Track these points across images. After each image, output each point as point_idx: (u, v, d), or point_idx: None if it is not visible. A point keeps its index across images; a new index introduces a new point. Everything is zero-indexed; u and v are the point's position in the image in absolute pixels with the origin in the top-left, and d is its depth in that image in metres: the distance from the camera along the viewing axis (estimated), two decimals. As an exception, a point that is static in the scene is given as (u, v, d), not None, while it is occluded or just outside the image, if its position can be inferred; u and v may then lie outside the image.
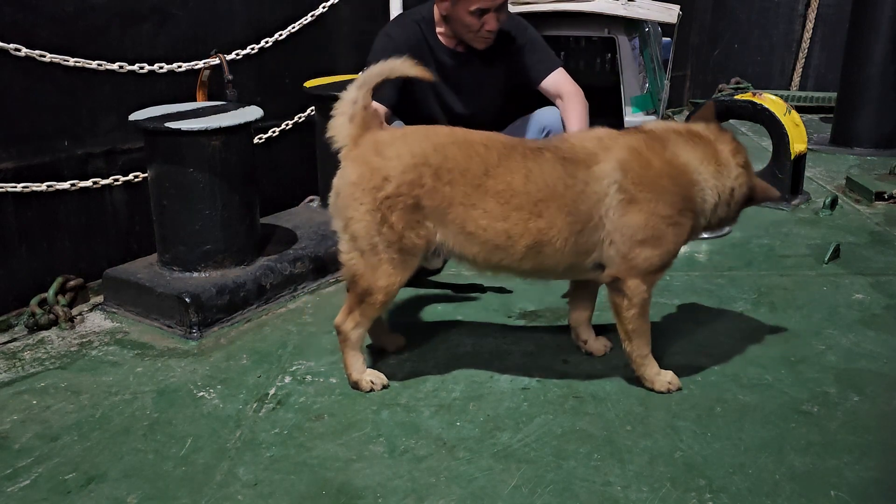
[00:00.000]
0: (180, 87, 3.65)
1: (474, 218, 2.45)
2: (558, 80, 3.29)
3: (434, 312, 3.28)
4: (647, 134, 2.54)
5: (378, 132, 2.51)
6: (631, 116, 4.44)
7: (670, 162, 2.47)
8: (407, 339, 2.96)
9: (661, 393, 2.59)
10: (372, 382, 2.64)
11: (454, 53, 3.26)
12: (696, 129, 2.59)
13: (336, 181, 2.53)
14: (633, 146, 2.47)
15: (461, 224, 2.46)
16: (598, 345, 2.87)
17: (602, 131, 2.58)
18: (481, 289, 3.48)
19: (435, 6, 3.27)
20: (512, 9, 4.26)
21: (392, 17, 3.63)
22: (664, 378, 2.61)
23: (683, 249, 3.94)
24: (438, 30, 3.29)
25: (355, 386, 2.66)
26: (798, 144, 4.47)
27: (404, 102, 3.22)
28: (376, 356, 2.90)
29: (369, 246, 2.48)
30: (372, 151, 2.46)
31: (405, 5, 4.61)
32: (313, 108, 4.10)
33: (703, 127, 2.61)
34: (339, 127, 2.51)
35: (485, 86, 3.34)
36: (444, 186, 2.43)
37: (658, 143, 2.50)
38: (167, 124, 3.11)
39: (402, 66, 2.53)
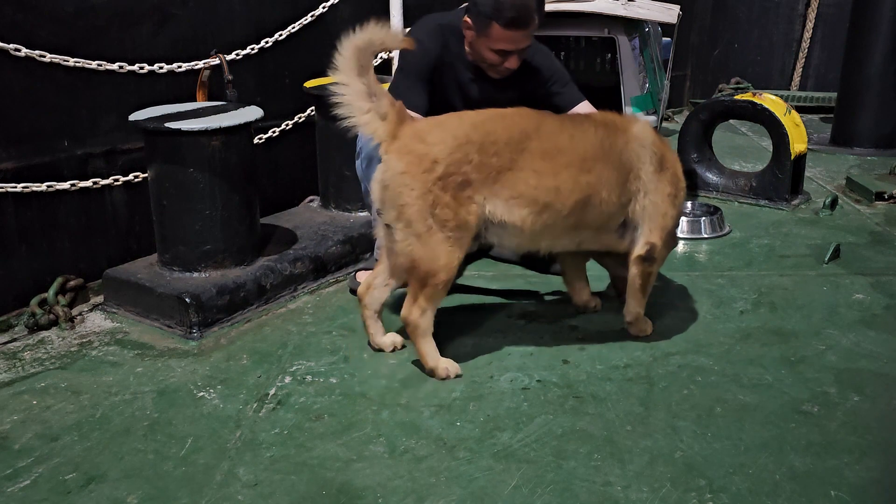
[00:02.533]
0: (180, 87, 3.65)
1: (524, 178, 2.65)
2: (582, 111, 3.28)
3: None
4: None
5: (413, 123, 2.65)
6: (631, 116, 4.45)
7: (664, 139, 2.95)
8: (407, 339, 2.96)
9: (646, 336, 2.99)
10: (447, 369, 2.71)
11: (474, 68, 3.19)
12: None
13: (382, 175, 2.63)
14: (640, 121, 2.93)
15: (511, 186, 2.64)
16: (597, 302, 3.25)
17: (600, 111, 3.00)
18: (481, 289, 3.48)
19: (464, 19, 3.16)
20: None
21: (413, 19, 3.40)
22: (649, 324, 3.03)
23: (683, 249, 3.96)
24: (466, 43, 3.18)
25: (431, 373, 2.71)
26: (798, 144, 4.47)
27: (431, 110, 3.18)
28: (376, 356, 2.90)
29: (425, 228, 2.58)
30: (415, 140, 2.59)
31: (405, 5, 4.61)
32: (313, 108, 4.10)
33: None
34: (372, 125, 2.59)
35: (495, 103, 3.29)
36: (490, 158, 2.61)
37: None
38: (167, 124, 3.11)
39: (377, 36, 2.55)
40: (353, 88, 2.55)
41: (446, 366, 2.72)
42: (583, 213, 2.74)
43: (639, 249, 2.86)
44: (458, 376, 2.72)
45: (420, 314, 2.67)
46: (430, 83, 3.15)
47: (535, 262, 3.60)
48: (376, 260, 3.39)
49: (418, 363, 2.79)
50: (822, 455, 2.29)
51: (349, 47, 2.52)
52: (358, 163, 3.25)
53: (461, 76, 3.23)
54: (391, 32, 2.64)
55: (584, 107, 3.27)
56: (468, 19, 3.05)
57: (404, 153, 2.58)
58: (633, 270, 2.90)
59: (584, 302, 3.22)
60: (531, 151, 2.66)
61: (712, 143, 4.91)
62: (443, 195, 2.57)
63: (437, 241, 2.59)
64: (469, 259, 3.65)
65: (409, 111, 2.72)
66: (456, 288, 3.50)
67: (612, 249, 2.94)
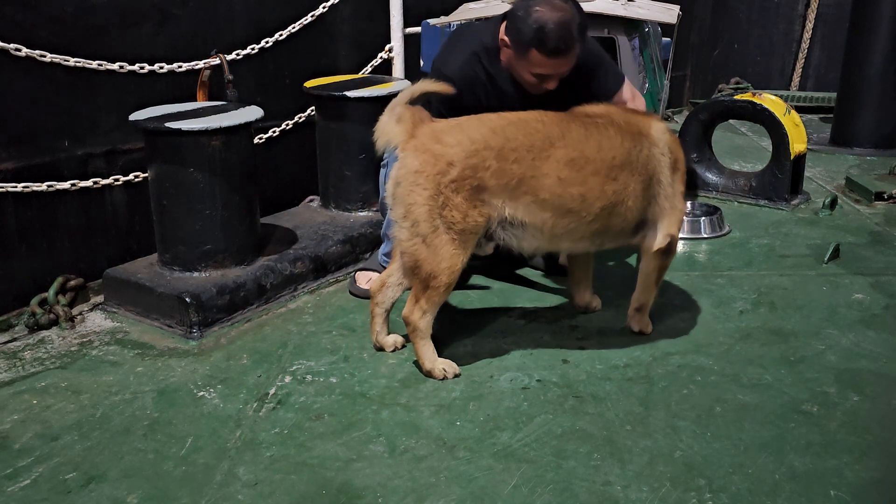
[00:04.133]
0: (180, 87, 3.65)
1: (548, 186, 2.64)
2: (626, 94, 3.19)
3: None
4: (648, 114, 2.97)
5: (432, 123, 2.65)
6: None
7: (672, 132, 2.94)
8: (407, 339, 2.96)
9: (647, 334, 3.02)
10: (445, 370, 2.72)
11: (517, 82, 3.07)
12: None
13: (395, 172, 2.64)
14: (658, 119, 2.93)
15: (534, 194, 2.64)
16: (597, 301, 3.26)
17: (619, 109, 2.95)
18: (481, 289, 3.48)
19: (501, 29, 3.01)
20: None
21: (446, 42, 3.23)
22: (650, 323, 3.05)
23: (683, 249, 3.96)
24: (503, 57, 3.05)
25: (429, 374, 2.71)
26: (798, 144, 4.47)
27: None
28: (376, 356, 2.90)
29: (431, 228, 2.58)
30: (432, 140, 2.59)
31: (405, 5, 4.61)
32: (313, 108, 4.11)
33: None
34: (390, 128, 2.64)
35: (547, 108, 3.21)
36: (510, 165, 2.60)
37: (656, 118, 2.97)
38: (167, 124, 3.11)
39: (422, 87, 2.72)
40: (386, 115, 2.65)
41: (443, 367, 2.72)
42: (607, 219, 2.74)
43: (660, 242, 2.86)
44: (456, 376, 2.72)
45: (420, 315, 2.68)
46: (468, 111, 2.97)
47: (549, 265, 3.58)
48: (380, 264, 3.40)
49: (418, 363, 2.79)
50: (822, 455, 2.29)
51: (402, 97, 2.66)
52: (383, 171, 3.25)
53: (507, 93, 3.09)
54: (436, 84, 2.74)
55: (626, 87, 3.19)
56: (506, 38, 2.93)
57: (420, 151, 2.59)
58: (653, 264, 2.92)
59: (587, 302, 3.22)
60: (556, 159, 2.64)
61: (712, 143, 4.91)
62: (454, 197, 2.56)
63: (441, 243, 2.59)
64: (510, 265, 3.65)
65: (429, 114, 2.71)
66: (456, 288, 3.49)
67: (625, 245, 2.96)
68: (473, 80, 3.06)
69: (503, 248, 2.80)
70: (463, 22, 4.43)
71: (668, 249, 2.90)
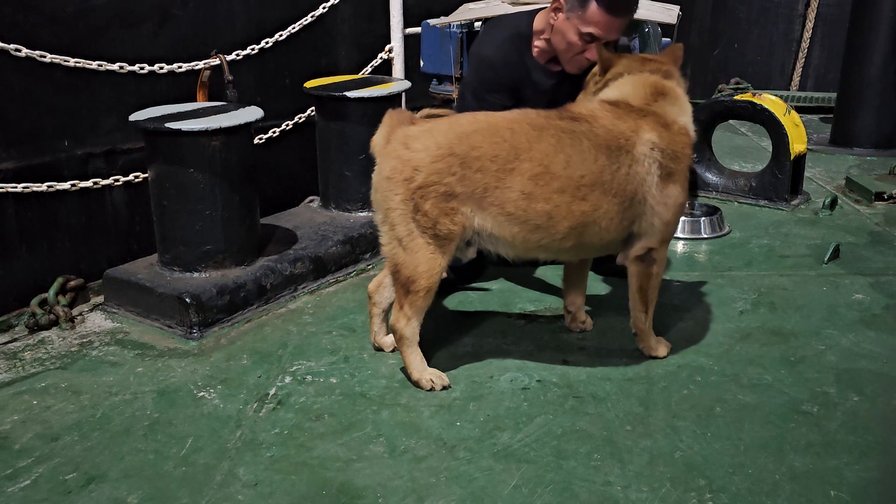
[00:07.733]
0: (180, 88, 3.65)
1: (513, 200, 2.55)
2: None
3: (434, 313, 3.26)
4: (647, 110, 2.68)
5: (407, 127, 2.62)
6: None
7: (679, 130, 2.71)
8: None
9: (662, 358, 2.83)
10: (432, 381, 2.66)
11: (550, 73, 3.12)
12: (655, 82, 2.76)
13: (373, 177, 2.65)
14: (656, 123, 2.66)
15: (500, 206, 2.56)
16: (589, 321, 3.09)
17: (611, 110, 2.68)
18: (481, 289, 3.48)
19: (539, 15, 3.09)
20: (511, 9, 4.26)
21: (484, 28, 3.24)
22: (663, 345, 2.87)
23: (683, 249, 3.96)
24: (535, 44, 3.10)
25: (416, 384, 2.68)
26: (798, 145, 4.47)
27: None
28: (376, 356, 2.90)
29: (407, 232, 2.57)
30: (401, 146, 2.57)
31: (405, 6, 4.61)
32: (313, 108, 4.11)
33: (652, 78, 2.77)
34: (376, 136, 2.66)
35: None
36: (474, 174, 2.53)
37: (660, 113, 2.70)
38: (167, 124, 3.11)
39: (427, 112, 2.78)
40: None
41: (431, 377, 2.66)
42: (580, 237, 2.62)
43: (636, 251, 2.73)
44: (444, 388, 2.66)
45: (405, 322, 2.64)
46: (510, 92, 3.12)
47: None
48: None
49: (406, 372, 2.78)
50: (822, 455, 2.29)
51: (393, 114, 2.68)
52: None
53: (541, 84, 3.14)
54: (438, 109, 2.80)
55: None
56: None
57: (391, 158, 2.57)
58: (632, 271, 2.77)
59: (576, 309, 3.06)
60: (521, 172, 2.53)
61: (712, 144, 4.91)
62: (422, 203, 2.52)
63: (417, 247, 2.56)
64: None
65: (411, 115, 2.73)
66: (456, 288, 3.50)
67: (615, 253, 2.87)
68: (510, 62, 3.12)
69: (486, 253, 2.77)
70: (464, 22, 4.43)
71: (648, 260, 2.73)
